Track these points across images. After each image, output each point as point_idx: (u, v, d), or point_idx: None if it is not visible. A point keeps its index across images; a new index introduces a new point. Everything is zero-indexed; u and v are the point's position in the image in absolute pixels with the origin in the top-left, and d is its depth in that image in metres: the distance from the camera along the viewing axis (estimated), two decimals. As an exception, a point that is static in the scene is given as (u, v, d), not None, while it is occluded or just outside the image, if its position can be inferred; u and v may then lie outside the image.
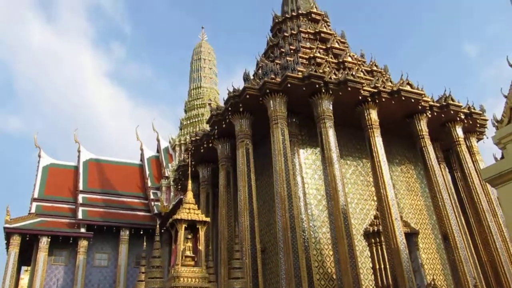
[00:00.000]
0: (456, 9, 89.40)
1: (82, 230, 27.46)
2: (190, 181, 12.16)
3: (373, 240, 16.59)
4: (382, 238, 16.04)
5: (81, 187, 30.91)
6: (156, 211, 29.95)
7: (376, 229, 16.60)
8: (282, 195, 15.01)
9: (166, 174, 33.10)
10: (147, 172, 34.19)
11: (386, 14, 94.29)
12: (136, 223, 29.24)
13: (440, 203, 16.89)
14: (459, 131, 19.54)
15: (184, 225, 10.25)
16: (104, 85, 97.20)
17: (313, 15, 24.77)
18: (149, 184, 33.05)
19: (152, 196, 31.91)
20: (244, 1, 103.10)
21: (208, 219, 10.81)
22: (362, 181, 18.41)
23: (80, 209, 28.72)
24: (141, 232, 28.29)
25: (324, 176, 15.84)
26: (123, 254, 28.11)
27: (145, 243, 15.37)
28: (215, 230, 20.60)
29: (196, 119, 37.51)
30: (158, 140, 38.26)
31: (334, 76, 17.16)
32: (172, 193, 31.33)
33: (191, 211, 10.44)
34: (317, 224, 16.48)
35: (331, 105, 16.91)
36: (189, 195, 11.00)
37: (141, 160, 36.77)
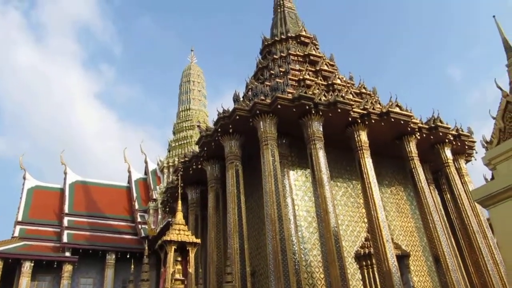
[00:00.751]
0: (440, 31, 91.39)
1: (67, 254, 26.81)
2: (180, 202, 11.91)
3: (364, 263, 16.47)
4: (374, 261, 15.91)
5: (66, 210, 30.33)
6: (143, 234, 29.44)
7: (367, 252, 16.51)
8: (273, 217, 14.80)
9: (154, 197, 32.69)
10: (135, 195, 33.76)
11: (373, 37, 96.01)
12: (122, 247, 28.65)
13: (431, 225, 16.81)
14: (448, 152, 19.64)
15: (173, 247, 9.97)
16: (93, 107, 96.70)
17: (302, 38, 25.02)
18: (137, 206, 32.59)
19: (139, 219, 31.42)
20: (233, 24, 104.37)
21: (198, 241, 10.54)
22: (352, 203, 18.28)
23: (65, 232, 28.10)
24: (128, 256, 27.70)
25: (315, 198, 15.70)
26: (109, 278, 27.43)
27: (132, 267, 14.92)
28: (203, 253, 20.19)
29: (185, 141, 37.36)
30: (146, 162, 37.94)
31: (324, 98, 17.21)
32: (159, 216, 30.88)
33: (181, 232, 10.17)
34: (307, 247, 16.23)
35: (321, 127, 16.89)
36: (179, 216, 10.74)
37: (128, 182, 36.34)
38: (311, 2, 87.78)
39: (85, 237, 28.52)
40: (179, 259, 10.12)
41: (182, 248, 10.18)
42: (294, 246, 15.29)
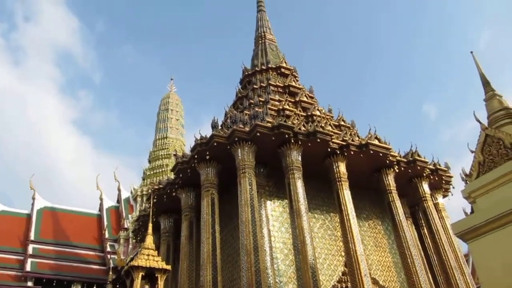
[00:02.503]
0: (416, 68, 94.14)
1: (29, 283, 25.43)
2: (150, 225, 11.28)
3: (341, 298, 15.94)
4: (351, 296, 15.42)
5: (32, 237, 28.98)
6: (112, 265, 28.19)
7: (344, 286, 16.02)
8: (248, 248, 14.26)
9: (126, 226, 31.65)
10: (105, 223, 32.62)
11: (352, 71, 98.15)
12: (89, 277, 27.37)
13: (409, 260, 16.51)
14: (425, 187, 19.60)
15: (141, 273, 9.25)
16: (68, 133, 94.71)
17: (283, 70, 25.15)
18: (107, 235, 31.42)
19: (109, 249, 30.22)
20: (215, 56, 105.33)
21: (169, 267, 9.88)
22: (329, 236, 17.89)
23: (29, 260, 26.74)
24: (95, 287, 26.41)
25: (292, 229, 15.28)
26: (73, 311, 26.02)
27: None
28: (174, 285, 19.33)
29: (160, 170, 36.61)
30: (119, 190, 36.95)
31: (303, 128, 17.07)
32: (130, 246, 29.79)
33: (150, 257, 9.50)
34: (283, 280, 15.66)
35: (300, 156, 16.66)
36: (149, 240, 10.09)
37: (99, 210, 35.18)
38: (290, 36, 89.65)
39: (50, 266, 27.16)
40: (147, 287, 9.40)
41: (150, 275, 9.47)
42: (269, 279, 14.71)
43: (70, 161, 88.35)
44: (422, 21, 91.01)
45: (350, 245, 15.57)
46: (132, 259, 24.02)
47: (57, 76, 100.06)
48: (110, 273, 11.21)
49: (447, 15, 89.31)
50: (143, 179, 37.08)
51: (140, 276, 9.30)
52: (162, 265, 9.59)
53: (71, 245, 29.96)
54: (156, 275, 9.57)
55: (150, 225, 10.93)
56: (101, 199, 35.61)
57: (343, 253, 17.09)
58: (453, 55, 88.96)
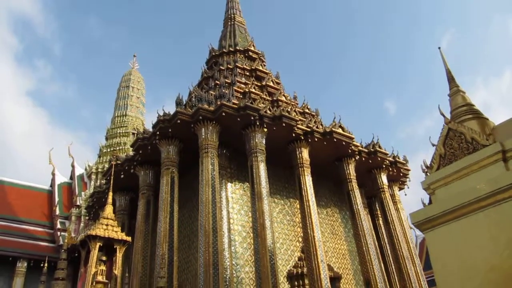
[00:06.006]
0: (380, 63, 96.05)
1: (-29, 258, 24.11)
2: (111, 193, 10.73)
3: (296, 283, 15.95)
4: (306, 281, 15.47)
5: (-25, 210, 27.46)
6: (61, 242, 27.16)
7: (300, 271, 16.02)
8: (207, 228, 13.99)
9: (78, 203, 30.51)
10: (57, 199, 31.33)
11: (317, 62, 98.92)
12: (36, 254, 26.24)
13: (364, 248, 16.76)
14: (384, 178, 19.95)
15: (99, 244, 8.70)
16: (22, 104, 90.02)
17: (250, 53, 24.87)
18: (58, 212, 30.20)
19: (59, 226, 29.08)
20: (181, 36, 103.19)
21: (129, 239, 9.40)
22: (288, 221, 17.90)
23: (-29, 234, 25.34)
24: (42, 265, 25.32)
25: (252, 212, 15.12)
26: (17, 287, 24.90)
27: (44, 277, 13.32)
28: (127, 264, 18.81)
29: (118, 148, 35.42)
30: (73, 166, 35.55)
31: (269, 112, 16.88)
32: (82, 224, 28.83)
33: (109, 227, 8.99)
34: (240, 263, 15.53)
35: (264, 140, 16.49)
36: (108, 209, 9.54)
37: (51, 186, 33.72)
38: (260, 20, 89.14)
39: (-6, 241, 25.85)
40: (104, 258, 8.90)
41: (108, 246, 8.98)
42: (226, 261, 14.53)
43: (22, 134, 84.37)
44: (394, 17, 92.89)
45: (309, 231, 15.60)
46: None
47: (13, 43, 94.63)
48: (63, 249, 10.48)
49: (414, 15, 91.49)
50: (99, 157, 35.82)
51: (97, 246, 8.76)
52: (122, 236, 9.10)
53: (18, 220, 28.60)
54: (114, 247, 9.07)
55: (110, 194, 10.38)
56: (53, 174, 34.13)
57: (300, 239, 17.15)
58: (417, 56, 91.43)
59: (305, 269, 15.78)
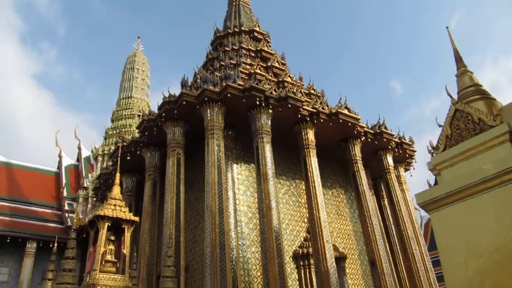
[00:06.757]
0: (386, 44, 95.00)
1: (-19, 239, 24.48)
2: (118, 174, 10.81)
3: (302, 263, 16.19)
4: (312, 261, 15.67)
5: (-16, 192, 27.77)
6: (69, 223, 27.52)
7: (305, 252, 16.25)
8: (213, 209, 14.11)
9: (85, 185, 30.79)
10: (64, 181, 31.59)
11: (324, 43, 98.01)
12: (45, 235, 26.58)
13: (369, 229, 16.85)
14: (389, 159, 19.92)
15: (107, 224, 8.80)
16: (28, 87, 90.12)
17: (256, 34, 24.67)
18: (65, 194, 30.48)
19: (67, 207, 29.38)
20: (186, 17, 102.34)
21: (136, 219, 9.50)
22: (294, 202, 17.99)
23: (-18, 215, 25.68)
24: (51, 246, 25.71)
25: (258, 192, 15.19)
26: (27, 268, 25.30)
27: (54, 256, 13.53)
28: (135, 246, 19.07)
29: (123, 130, 35.51)
30: (79, 148, 35.74)
31: (274, 92, 16.81)
32: (89, 206, 29.14)
33: (117, 208, 9.08)
34: (246, 243, 15.69)
35: (269, 121, 16.46)
36: (116, 190, 9.63)
37: (58, 168, 33.98)
38: (266, 1, 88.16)
39: (4, 222, 26.18)
40: (112, 238, 9.01)
41: (116, 226, 9.08)
42: (232, 241, 14.67)
43: (28, 117, 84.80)
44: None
45: (314, 211, 15.68)
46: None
47: (17, 24, 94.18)
48: (72, 229, 10.65)
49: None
50: (105, 139, 35.99)
51: (106, 226, 8.87)
52: (130, 216, 9.18)
53: (27, 202, 28.94)
54: (123, 227, 9.17)
55: (118, 174, 10.45)
56: (60, 156, 34.36)
57: (305, 220, 17.27)
58: (424, 36, 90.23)
59: (310, 249, 15.96)
